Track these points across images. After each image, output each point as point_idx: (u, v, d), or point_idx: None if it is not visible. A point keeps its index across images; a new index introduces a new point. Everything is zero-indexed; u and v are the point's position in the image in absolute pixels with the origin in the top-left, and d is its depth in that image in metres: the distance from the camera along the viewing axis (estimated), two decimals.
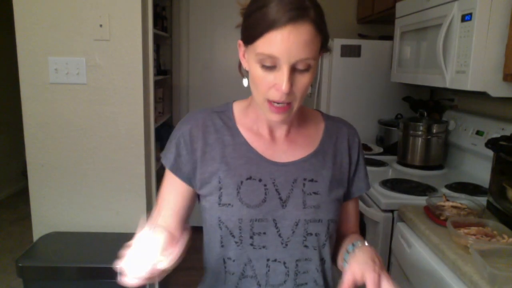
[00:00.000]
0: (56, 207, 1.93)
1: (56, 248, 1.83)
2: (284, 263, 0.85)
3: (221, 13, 3.22)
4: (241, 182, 0.84)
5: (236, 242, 0.84)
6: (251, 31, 0.75)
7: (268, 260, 0.84)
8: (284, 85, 0.74)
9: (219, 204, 0.84)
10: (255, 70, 0.77)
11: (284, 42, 0.71)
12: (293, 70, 0.75)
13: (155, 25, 2.22)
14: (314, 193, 0.86)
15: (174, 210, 0.89)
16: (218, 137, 0.87)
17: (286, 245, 0.84)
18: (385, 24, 2.90)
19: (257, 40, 0.74)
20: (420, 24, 1.83)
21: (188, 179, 0.88)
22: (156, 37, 2.38)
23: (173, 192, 0.90)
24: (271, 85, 0.76)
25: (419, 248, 1.30)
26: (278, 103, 0.77)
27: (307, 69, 0.76)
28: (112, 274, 1.49)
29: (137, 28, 1.82)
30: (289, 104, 0.78)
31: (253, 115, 0.89)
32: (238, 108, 0.92)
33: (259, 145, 0.88)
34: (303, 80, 0.76)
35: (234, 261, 0.85)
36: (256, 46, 0.74)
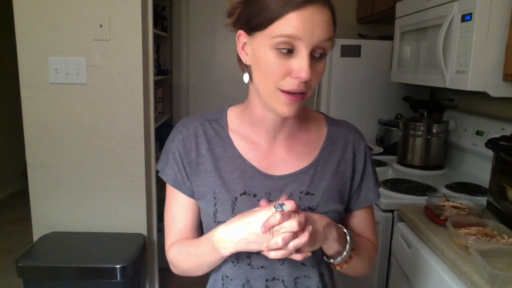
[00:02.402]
0: (56, 207, 1.93)
1: (56, 248, 1.83)
2: (283, 281, 0.81)
3: (221, 13, 3.21)
4: (236, 198, 0.80)
5: (232, 262, 0.81)
6: (264, 15, 0.69)
7: (267, 280, 0.81)
8: (305, 71, 0.68)
9: (214, 221, 0.80)
10: (268, 57, 0.70)
11: (307, 21, 0.67)
12: (310, 56, 0.69)
13: (155, 25, 2.22)
14: (309, 207, 0.80)
15: (189, 224, 0.86)
16: (209, 148, 0.82)
17: (283, 263, 0.81)
18: (385, 24, 2.90)
19: (274, 22, 0.68)
20: (420, 24, 1.83)
21: (193, 193, 0.84)
22: (156, 37, 2.38)
23: (182, 208, 0.86)
24: (286, 73, 0.70)
25: (419, 248, 1.30)
26: (293, 92, 0.71)
27: (322, 56, 0.71)
28: (112, 274, 1.50)
29: (137, 28, 1.82)
30: (303, 93, 0.72)
31: (249, 120, 0.83)
32: (232, 114, 0.86)
33: (254, 156, 0.82)
34: (318, 68, 0.71)
35: (232, 280, 0.82)
36: (273, 29, 0.68)
